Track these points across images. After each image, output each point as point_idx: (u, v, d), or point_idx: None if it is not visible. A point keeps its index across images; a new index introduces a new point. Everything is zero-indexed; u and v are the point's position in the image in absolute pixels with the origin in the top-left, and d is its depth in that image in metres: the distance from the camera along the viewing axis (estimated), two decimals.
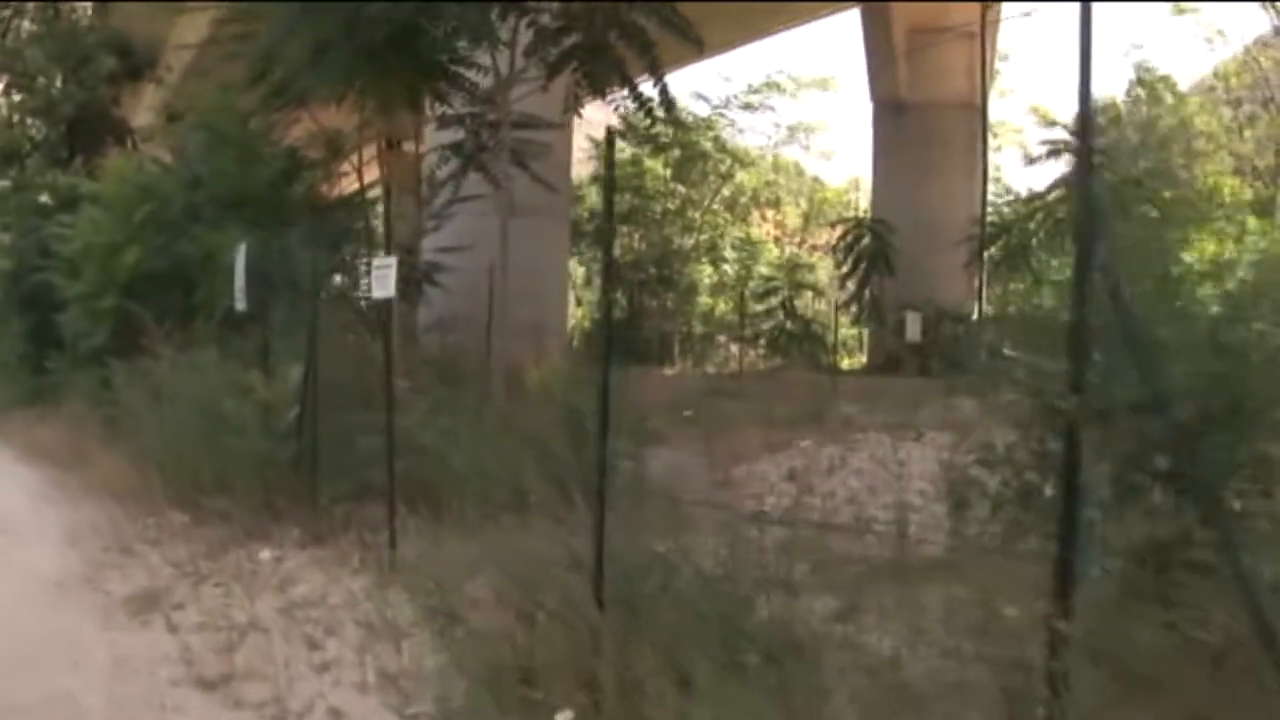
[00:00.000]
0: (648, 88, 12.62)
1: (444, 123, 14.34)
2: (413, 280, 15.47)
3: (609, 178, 6.44)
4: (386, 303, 7.30)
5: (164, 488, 9.55)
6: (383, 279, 7.05)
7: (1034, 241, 22.14)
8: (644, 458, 8.47)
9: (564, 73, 11.38)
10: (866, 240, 24.91)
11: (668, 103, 10.45)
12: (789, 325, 25.89)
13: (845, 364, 28.29)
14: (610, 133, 6.06)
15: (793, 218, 38.95)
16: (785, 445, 10.65)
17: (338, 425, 8.99)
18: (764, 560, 4.82)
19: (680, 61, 27.56)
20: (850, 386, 17.81)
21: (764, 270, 34.35)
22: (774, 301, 26.29)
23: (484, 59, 14.06)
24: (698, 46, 10.80)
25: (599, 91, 11.49)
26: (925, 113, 24.98)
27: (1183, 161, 26.28)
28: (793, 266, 29.53)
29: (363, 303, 11.63)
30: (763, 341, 26.36)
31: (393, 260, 7.01)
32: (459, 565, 6.87)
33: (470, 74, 14.11)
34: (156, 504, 9.42)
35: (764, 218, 37.45)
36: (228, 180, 13.20)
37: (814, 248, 37.72)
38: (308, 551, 8.18)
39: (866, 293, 25.38)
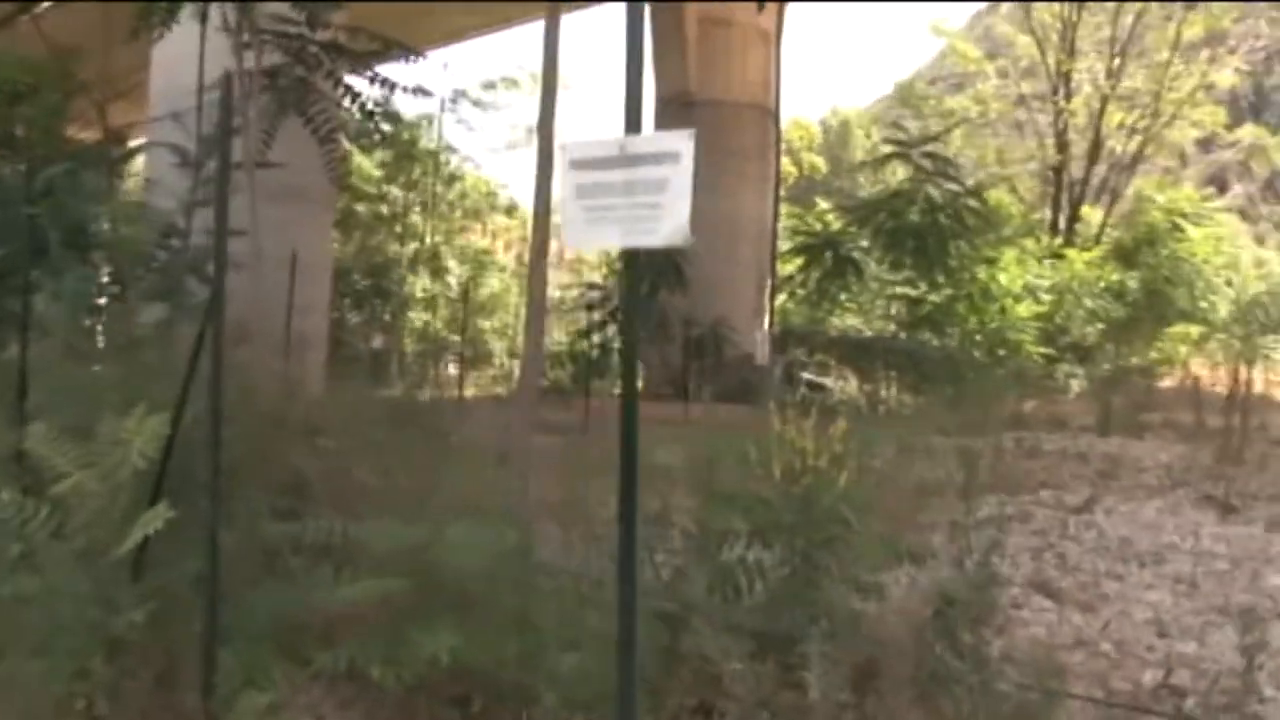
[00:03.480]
0: None
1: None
2: (174, 273, 10.29)
3: None
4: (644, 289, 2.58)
5: None
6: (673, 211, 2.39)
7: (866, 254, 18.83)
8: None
9: None
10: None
11: None
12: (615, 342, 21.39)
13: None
14: None
15: (512, 230, 34.53)
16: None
17: (255, 545, 4.05)
18: None
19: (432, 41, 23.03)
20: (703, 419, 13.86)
21: (495, 283, 30.02)
22: (595, 316, 21.66)
23: None
24: None
25: None
26: (716, 112, 21.32)
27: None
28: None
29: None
30: (569, 363, 21.72)
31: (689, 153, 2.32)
32: None
33: None
34: None
35: (483, 227, 32.84)
36: None
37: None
38: None
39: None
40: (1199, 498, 7.26)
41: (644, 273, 20.53)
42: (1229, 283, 24.96)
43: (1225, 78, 25.83)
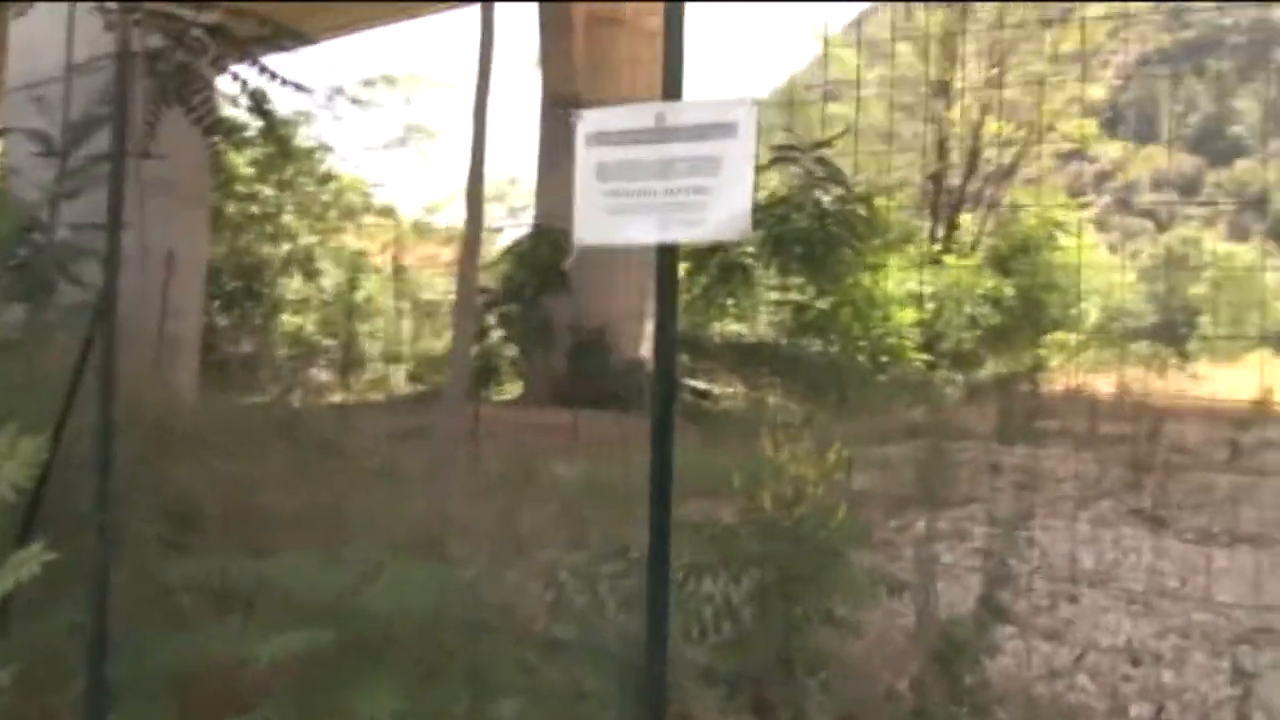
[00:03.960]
0: None
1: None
2: (39, 271, 9.44)
3: None
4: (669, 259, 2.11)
5: None
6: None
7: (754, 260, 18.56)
8: None
9: None
10: (540, 251, 20.32)
11: None
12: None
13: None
14: None
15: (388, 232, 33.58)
16: None
17: (148, 587, 3.46)
18: None
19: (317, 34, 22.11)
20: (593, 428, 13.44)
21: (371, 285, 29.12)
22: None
23: None
24: None
25: None
26: None
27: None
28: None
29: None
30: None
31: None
32: None
33: None
34: None
35: (358, 229, 31.85)
36: None
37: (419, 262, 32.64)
38: None
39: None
40: (1126, 511, 7.08)
41: (527, 276, 20.19)
42: (1096, 290, 25.54)
43: (1097, 91, 26.38)
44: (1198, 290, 46.99)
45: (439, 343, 27.95)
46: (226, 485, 4.50)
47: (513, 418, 15.69)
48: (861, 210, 18.37)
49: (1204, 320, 42.67)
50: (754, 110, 2.01)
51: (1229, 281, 45.05)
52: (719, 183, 2.04)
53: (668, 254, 2.29)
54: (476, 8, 6.15)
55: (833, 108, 28.93)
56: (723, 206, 2.06)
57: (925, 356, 19.84)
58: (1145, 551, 6.04)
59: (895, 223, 24.12)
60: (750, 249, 18.77)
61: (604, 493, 6.06)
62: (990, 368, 20.61)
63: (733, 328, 21.62)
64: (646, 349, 20.63)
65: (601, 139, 2.21)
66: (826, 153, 21.16)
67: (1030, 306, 22.79)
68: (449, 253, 33.42)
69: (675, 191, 2.10)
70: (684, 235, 2.16)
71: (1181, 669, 4.32)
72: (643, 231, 2.17)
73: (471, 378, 19.20)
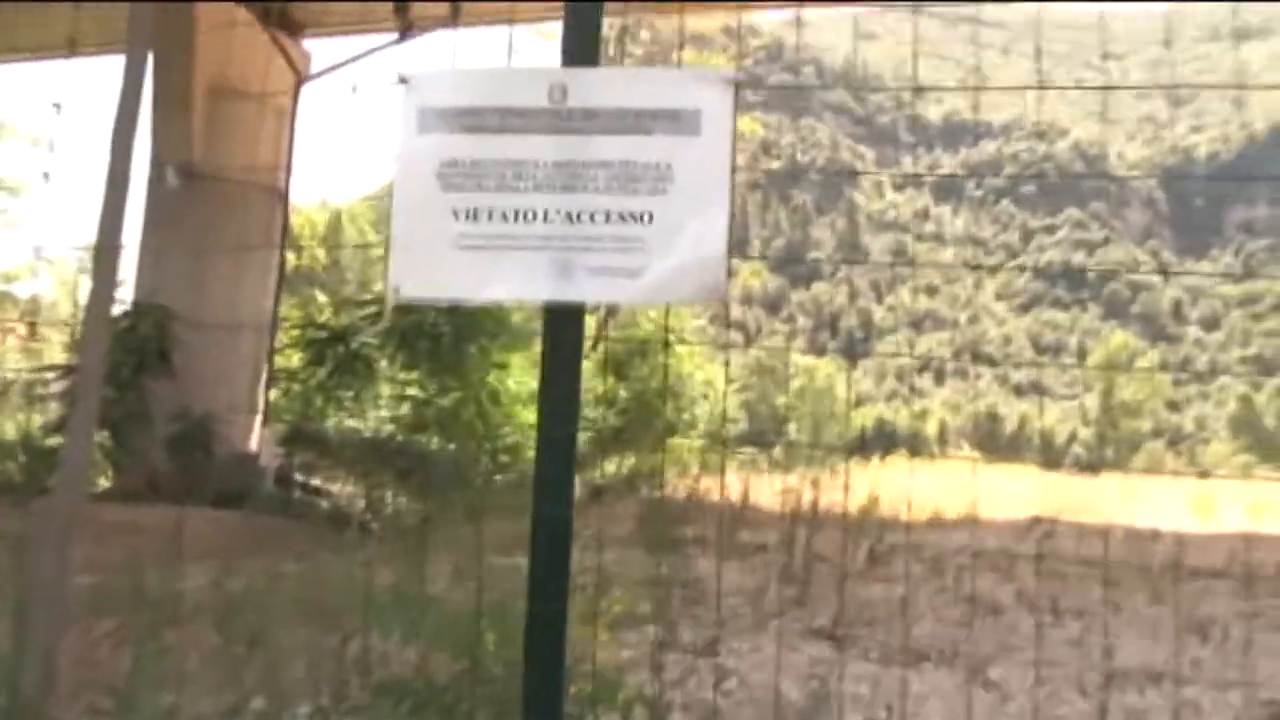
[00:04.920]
0: None
1: None
2: None
3: None
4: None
5: None
6: None
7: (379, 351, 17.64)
8: None
9: None
10: (140, 329, 18.33)
11: None
12: None
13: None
14: None
15: None
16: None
17: None
18: None
19: None
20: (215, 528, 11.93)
21: None
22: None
23: None
24: None
25: None
26: (221, 188, 19.37)
27: None
28: None
29: None
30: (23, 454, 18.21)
31: None
32: None
33: None
34: None
35: None
36: None
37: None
38: None
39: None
40: (804, 630, 6.70)
41: (124, 356, 18.11)
42: (706, 396, 26.29)
43: None
44: (784, 399, 50.19)
45: (10, 426, 24.77)
46: None
47: (104, 515, 13.69)
48: (489, 307, 17.91)
49: (791, 428, 45.40)
50: (730, 91, 1.26)
51: (811, 393, 48.35)
52: (668, 207, 1.26)
53: (569, 321, 1.49)
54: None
55: None
56: (677, 247, 1.27)
57: None
58: (845, 678, 5.63)
59: (516, 322, 23.90)
60: (373, 340, 17.92)
61: (250, 619, 4.96)
62: (609, 470, 20.55)
63: (348, 423, 20.43)
64: (256, 442, 19.09)
65: (451, 120, 1.36)
66: None
67: (644, 410, 23.08)
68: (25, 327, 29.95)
69: (587, 218, 1.29)
70: (606, 293, 1.39)
71: None
72: (523, 283, 1.38)
73: (46, 469, 16.84)
